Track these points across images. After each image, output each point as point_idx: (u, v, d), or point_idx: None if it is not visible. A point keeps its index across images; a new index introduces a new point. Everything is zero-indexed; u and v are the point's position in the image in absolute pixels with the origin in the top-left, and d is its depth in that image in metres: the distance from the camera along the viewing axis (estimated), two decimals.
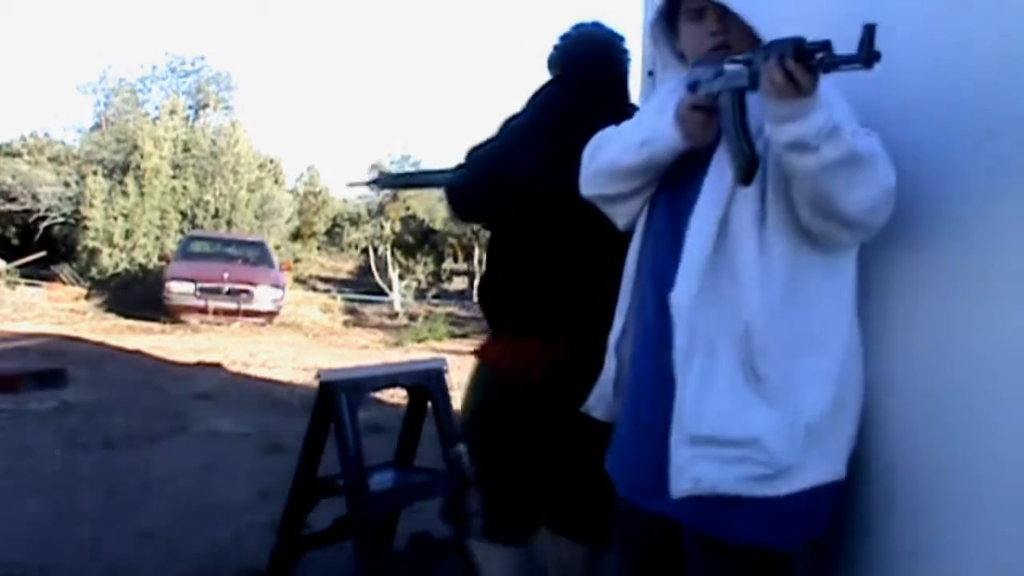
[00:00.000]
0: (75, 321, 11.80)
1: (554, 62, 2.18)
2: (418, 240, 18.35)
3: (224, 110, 20.39)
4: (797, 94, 1.17)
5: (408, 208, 20.48)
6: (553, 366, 2.00)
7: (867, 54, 1.09)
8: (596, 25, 2.18)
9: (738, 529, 1.33)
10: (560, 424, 1.99)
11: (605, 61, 2.14)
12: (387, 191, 16.04)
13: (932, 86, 1.37)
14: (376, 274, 17.85)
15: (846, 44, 1.14)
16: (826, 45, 1.15)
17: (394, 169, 19.02)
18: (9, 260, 16.23)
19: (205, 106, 20.12)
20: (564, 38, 2.18)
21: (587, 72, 2.11)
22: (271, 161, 20.71)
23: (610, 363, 1.59)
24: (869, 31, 1.09)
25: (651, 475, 1.38)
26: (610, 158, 1.49)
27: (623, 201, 1.53)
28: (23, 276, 15.73)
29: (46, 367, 2.53)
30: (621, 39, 2.17)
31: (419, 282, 17.72)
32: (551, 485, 2.11)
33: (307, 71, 52.98)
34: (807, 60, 1.15)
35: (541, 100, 2.15)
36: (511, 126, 2.16)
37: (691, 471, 1.31)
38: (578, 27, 2.18)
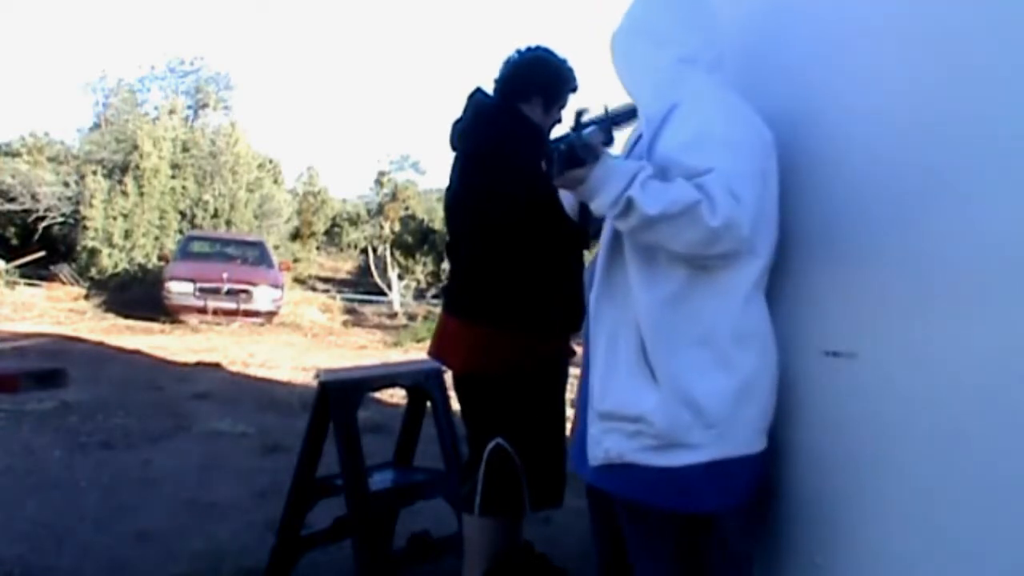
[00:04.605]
0: (74, 321, 11.80)
1: None
2: (417, 240, 18.33)
3: (223, 110, 20.43)
4: (579, 185, 1.46)
5: (407, 208, 20.49)
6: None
7: (608, 128, 1.47)
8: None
9: (648, 494, 1.52)
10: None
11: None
12: (386, 191, 16.04)
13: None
14: (375, 274, 17.84)
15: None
16: (585, 145, 1.44)
17: (395, 171, 19.02)
18: (8, 260, 16.23)
19: (204, 106, 20.14)
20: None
21: None
22: (270, 161, 20.71)
23: None
24: (578, 114, 1.51)
25: (584, 450, 1.62)
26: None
27: None
28: (22, 276, 15.73)
29: (45, 367, 2.53)
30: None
31: (418, 282, 17.70)
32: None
33: (306, 71, 53.06)
34: (573, 163, 1.44)
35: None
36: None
37: (603, 443, 1.56)
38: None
